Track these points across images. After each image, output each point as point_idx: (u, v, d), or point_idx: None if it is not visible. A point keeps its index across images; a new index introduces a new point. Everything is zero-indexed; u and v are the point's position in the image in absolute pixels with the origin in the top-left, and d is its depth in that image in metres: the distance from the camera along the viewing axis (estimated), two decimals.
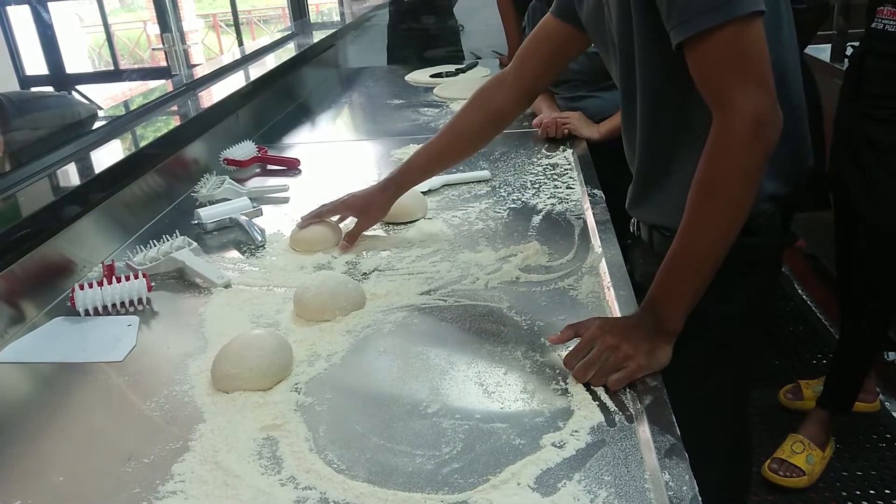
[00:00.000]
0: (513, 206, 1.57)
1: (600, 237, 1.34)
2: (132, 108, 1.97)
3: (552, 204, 1.56)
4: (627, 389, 0.92)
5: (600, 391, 0.92)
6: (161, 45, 2.99)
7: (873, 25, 1.76)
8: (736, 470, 1.38)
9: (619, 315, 1.08)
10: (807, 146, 1.17)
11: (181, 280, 1.32)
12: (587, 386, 0.93)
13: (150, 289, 1.24)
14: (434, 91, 2.70)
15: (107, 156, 1.61)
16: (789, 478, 2.02)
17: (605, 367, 0.93)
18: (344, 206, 1.45)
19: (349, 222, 1.47)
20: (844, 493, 2.01)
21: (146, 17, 9.62)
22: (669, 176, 1.13)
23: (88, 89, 5.45)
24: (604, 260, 1.25)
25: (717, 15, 0.90)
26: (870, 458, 2.13)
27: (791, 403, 2.34)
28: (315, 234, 1.42)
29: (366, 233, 1.46)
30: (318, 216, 1.44)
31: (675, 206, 1.03)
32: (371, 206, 1.43)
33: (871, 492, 2.00)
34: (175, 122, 1.93)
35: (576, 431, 0.85)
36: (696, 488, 0.74)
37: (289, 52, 2.92)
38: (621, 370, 0.92)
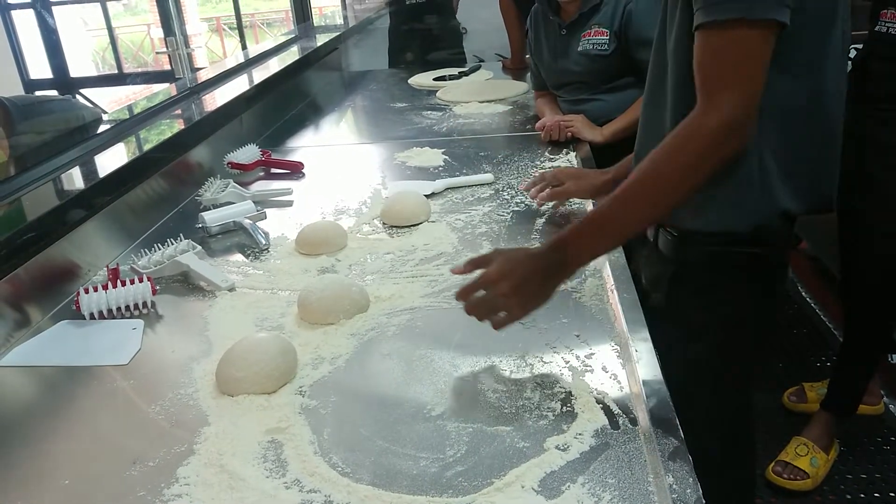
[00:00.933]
0: (516, 208, 1.57)
1: None
2: (136, 111, 1.97)
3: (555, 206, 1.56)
4: (630, 392, 0.93)
5: (604, 394, 0.92)
6: (165, 49, 3.00)
7: (877, 28, 1.76)
8: (739, 473, 1.38)
9: (621, 317, 1.08)
10: (832, 178, 1.13)
11: (185, 284, 1.32)
12: (591, 390, 0.93)
13: (154, 292, 1.25)
14: (437, 94, 2.70)
15: (111, 160, 1.62)
16: (793, 480, 2.02)
17: (492, 308, 0.98)
18: (562, 171, 1.53)
19: (352, 224, 1.48)
20: (849, 496, 2.00)
21: (150, 20, 9.64)
22: None
23: (92, 93, 5.47)
24: (607, 262, 1.25)
25: (734, 10, 0.92)
26: (874, 460, 2.12)
27: (795, 406, 2.33)
28: (319, 237, 1.42)
29: (369, 236, 1.47)
30: (541, 182, 1.51)
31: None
32: (585, 176, 1.49)
33: (876, 495, 2.00)
34: (179, 125, 1.94)
35: (579, 434, 0.85)
36: (700, 491, 0.74)
37: (292, 55, 2.93)
38: (505, 314, 0.98)
